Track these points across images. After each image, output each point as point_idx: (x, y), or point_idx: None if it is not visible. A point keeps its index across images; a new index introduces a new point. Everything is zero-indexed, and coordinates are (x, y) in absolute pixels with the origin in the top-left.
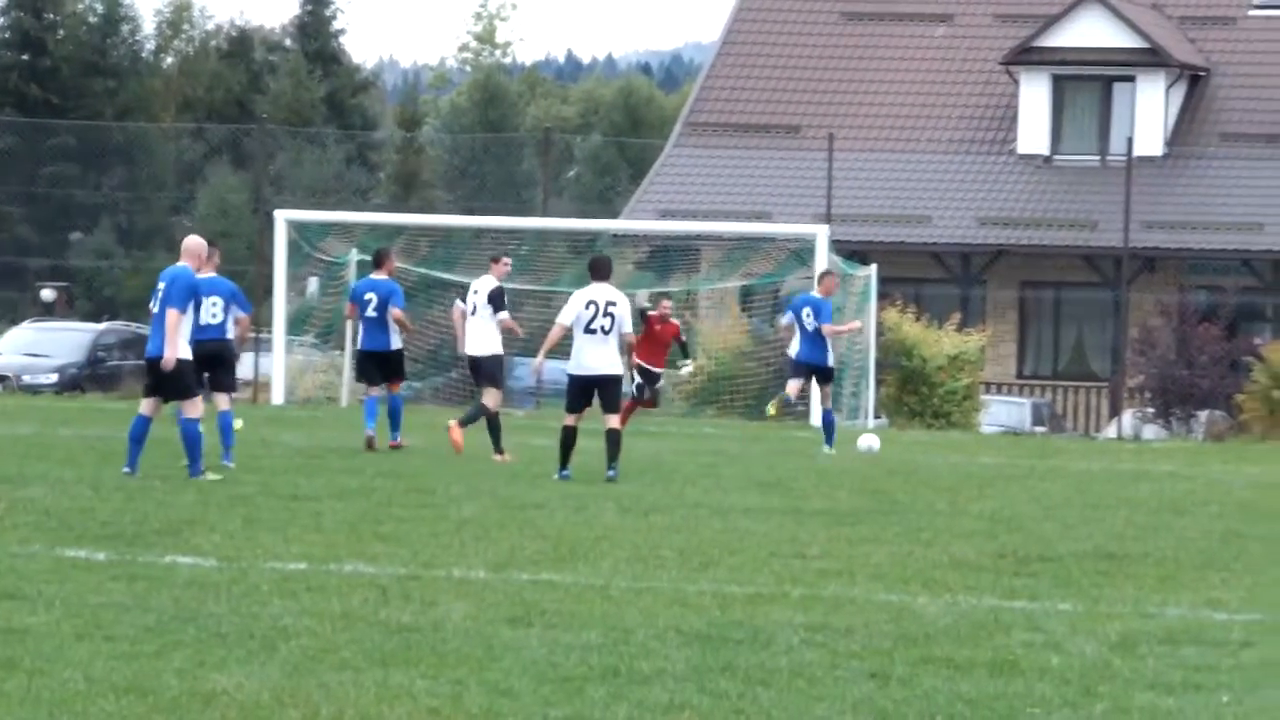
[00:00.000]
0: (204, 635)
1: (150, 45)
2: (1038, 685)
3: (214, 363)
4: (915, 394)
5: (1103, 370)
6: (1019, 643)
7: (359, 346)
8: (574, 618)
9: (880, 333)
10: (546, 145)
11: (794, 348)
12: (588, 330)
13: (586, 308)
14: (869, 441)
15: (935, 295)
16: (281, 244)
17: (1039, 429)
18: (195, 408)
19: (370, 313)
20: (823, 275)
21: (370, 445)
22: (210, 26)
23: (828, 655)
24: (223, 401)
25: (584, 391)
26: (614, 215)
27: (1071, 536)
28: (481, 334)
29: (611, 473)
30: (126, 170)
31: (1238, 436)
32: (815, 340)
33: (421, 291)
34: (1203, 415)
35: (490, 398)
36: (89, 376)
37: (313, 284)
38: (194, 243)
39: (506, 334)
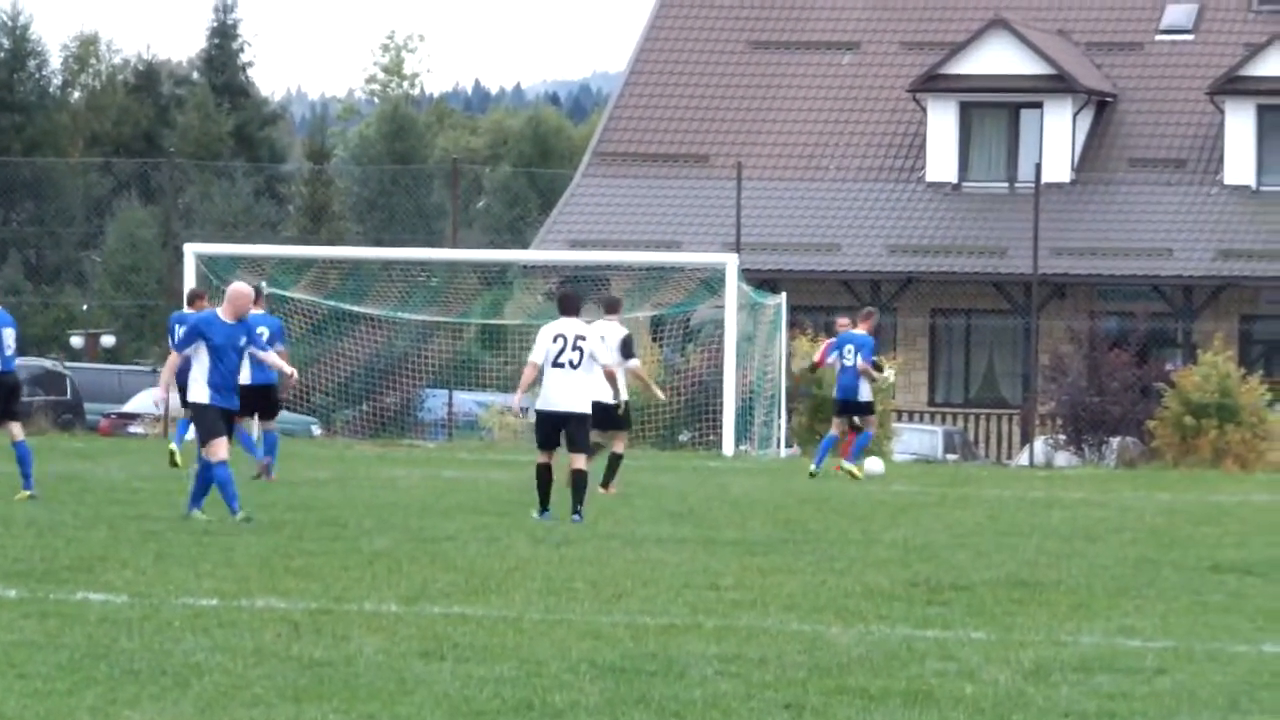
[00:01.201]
0: (116, 672)
1: (57, 80)
2: (952, 714)
3: (11, 394)
4: (827, 423)
5: (1014, 397)
6: (933, 672)
7: (249, 381)
8: (486, 651)
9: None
10: (455, 176)
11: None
12: (555, 364)
13: (554, 341)
14: (876, 466)
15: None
16: (191, 278)
17: (951, 457)
18: (215, 450)
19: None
20: (866, 314)
21: (267, 471)
22: (117, 61)
23: (742, 686)
24: (17, 431)
25: (552, 428)
26: (524, 246)
27: (984, 564)
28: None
29: (576, 517)
30: (34, 205)
31: (1149, 463)
32: (853, 376)
33: (331, 324)
34: (1114, 442)
35: (618, 441)
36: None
37: None
38: (231, 291)
39: (633, 380)
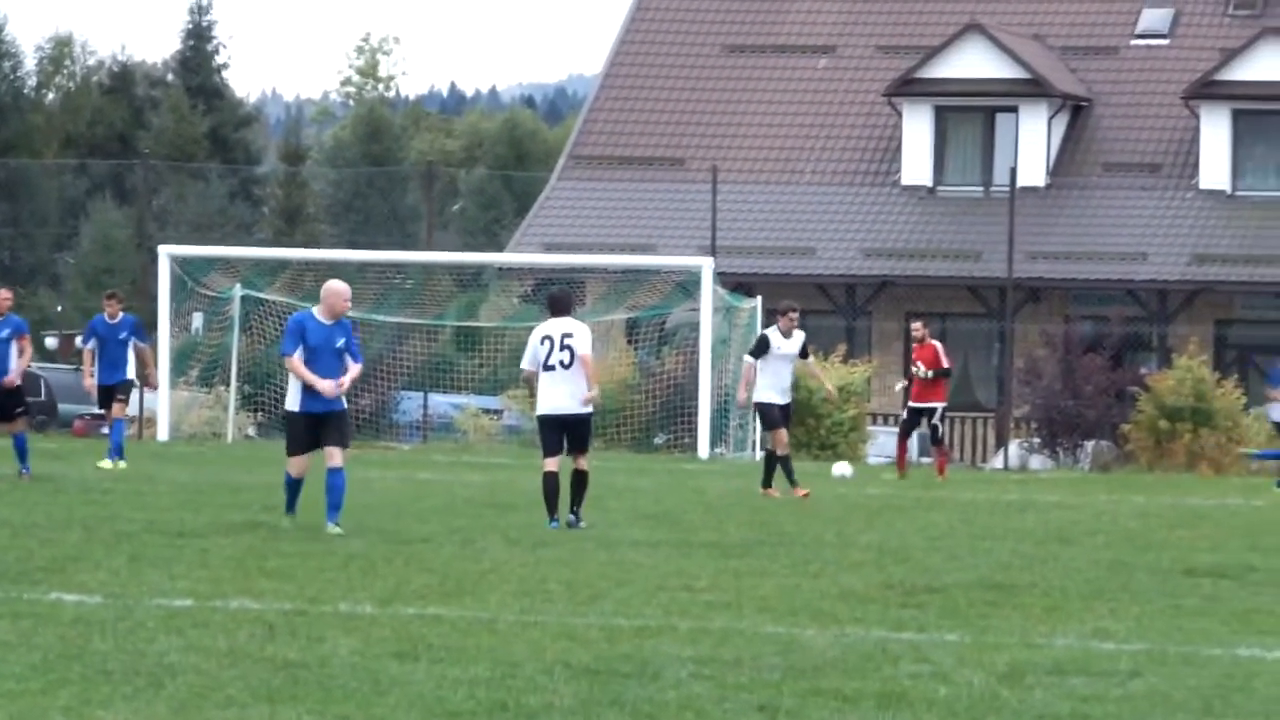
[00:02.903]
0: (90, 673)
1: (32, 81)
2: (926, 716)
3: None
4: (802, 425)
5: (988, 400)
6: (907, 674)
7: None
8: (461, 652)
9: None
10: (430, 179)
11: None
12: (546, 367)
13: (542, 344)
14: (842, 470)
15: (820, 327)
16: (165, 280)
17: (925, 460)
18: (291, 464)
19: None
20: None
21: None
22: (92, 62)
23: (716, 688)
24: None
25: (555, 432)
26: (499, 248)
27: (958, 567)
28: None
29: (572, 518)
30: (9, 207)
31: (1124, 466)
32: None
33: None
34: (1089, 445)
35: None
36: None
37: (197, 319)
38: (325, 289)
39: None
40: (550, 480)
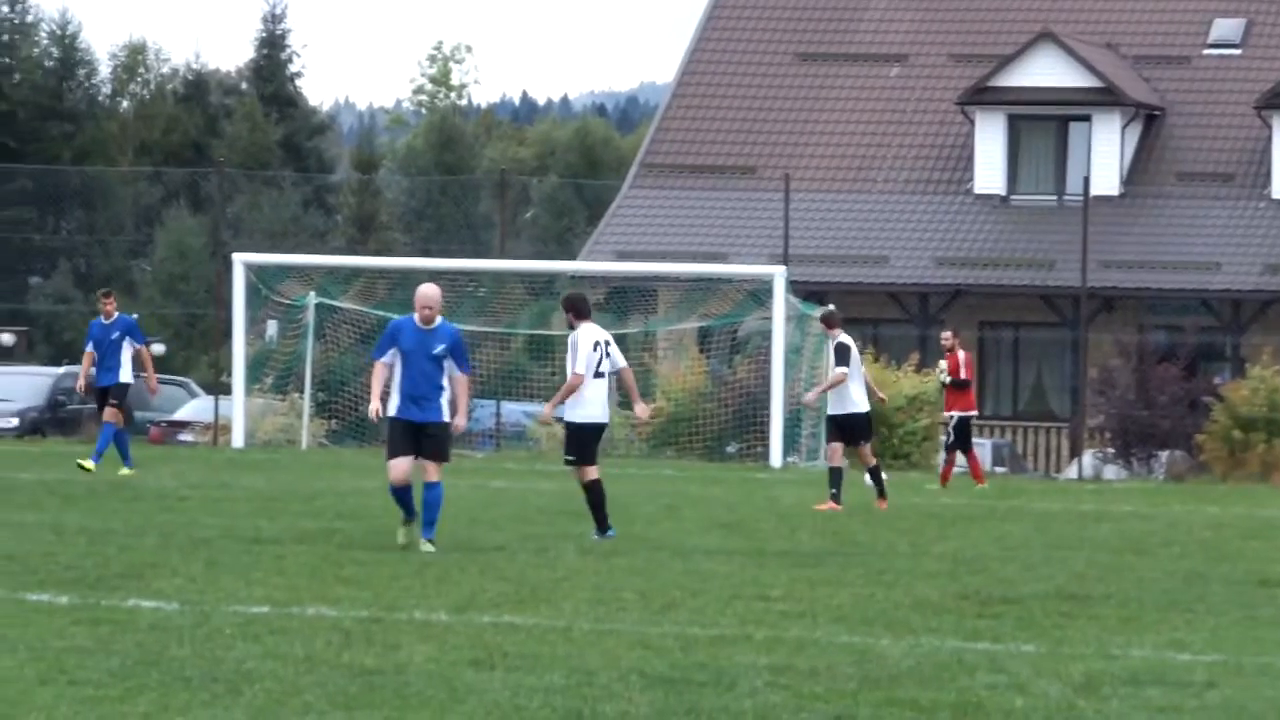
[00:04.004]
0: (168, 679)
1: (106, 89)
2: None
3: None
4: (874, 435)
5: (1062, 410)
6: (983, 684)
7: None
8: (536, 660)
9: None
10: (503, 187)
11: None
12: (597, 374)
13: (594, 349)
14: None
15: (893, 336)
16: (240, 287)
17: (999, 469)
18: (391, 471)
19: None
20: None
21: None
22: (166, 70)
23: (792, 698)
24: None
25: (595, 440)
26: (571, 256)
27: (1034, 577)
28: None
29: (609, 533)
30: (84, 214)
31: (1198, 477)
32: None
33: (379, 334)
34: (1163, 455)
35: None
36: (49, 420)
37: (271, 327)
38: (417, 294)
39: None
40: (596, 488)
